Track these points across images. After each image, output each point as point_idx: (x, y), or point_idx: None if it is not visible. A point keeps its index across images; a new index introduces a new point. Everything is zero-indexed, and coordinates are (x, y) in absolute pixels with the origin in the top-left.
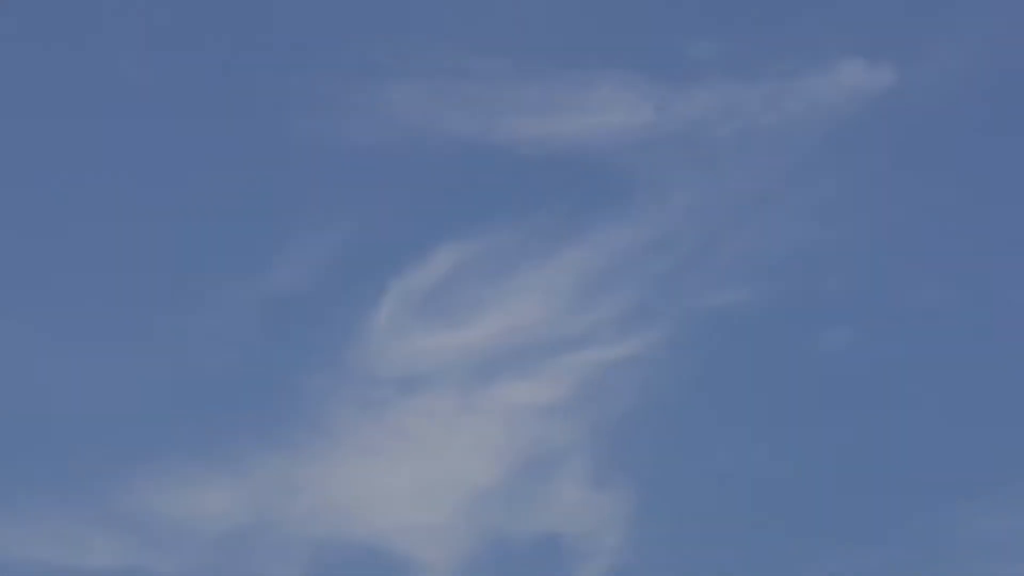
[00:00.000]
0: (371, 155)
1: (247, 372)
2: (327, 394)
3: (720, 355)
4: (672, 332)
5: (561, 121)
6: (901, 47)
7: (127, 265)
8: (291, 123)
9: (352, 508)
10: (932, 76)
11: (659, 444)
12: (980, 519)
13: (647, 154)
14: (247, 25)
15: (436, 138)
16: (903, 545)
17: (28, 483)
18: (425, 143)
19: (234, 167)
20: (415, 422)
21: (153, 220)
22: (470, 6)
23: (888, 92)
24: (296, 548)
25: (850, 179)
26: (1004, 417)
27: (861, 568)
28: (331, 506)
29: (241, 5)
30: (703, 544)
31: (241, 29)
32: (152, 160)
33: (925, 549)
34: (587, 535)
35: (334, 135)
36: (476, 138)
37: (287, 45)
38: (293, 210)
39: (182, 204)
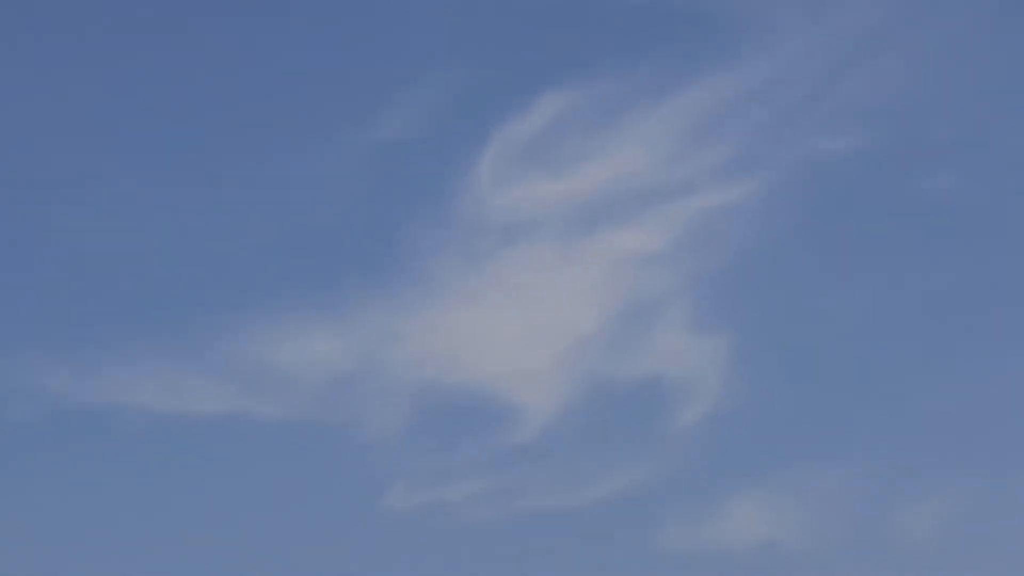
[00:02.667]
0: (475, 3)
1: (352, 220)
2: (431, 243)
3: (823, 202)
4: (776, 179)
5: None
6: None
7: (235, 112)
8: None
9: (455, 355)
10: None
11: (761, 290)
12: None
13: (754, 0)
14: None
15: None
16: (1002, 383)
17: (136, 331)
18: None
19: (341, 15)
20: (518, 270)
21: (261, 68)
22: None
23: None
24: (399, 395)
25: (957, 24)
26: None
27: (958, 405)
28: (434, 353)
29: None
30: (802, 387)
31: None
32: (263, 11)
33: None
34: (688, 379)
35: None
36: None
37: None
38: (399, 59)
39: (291, 53)
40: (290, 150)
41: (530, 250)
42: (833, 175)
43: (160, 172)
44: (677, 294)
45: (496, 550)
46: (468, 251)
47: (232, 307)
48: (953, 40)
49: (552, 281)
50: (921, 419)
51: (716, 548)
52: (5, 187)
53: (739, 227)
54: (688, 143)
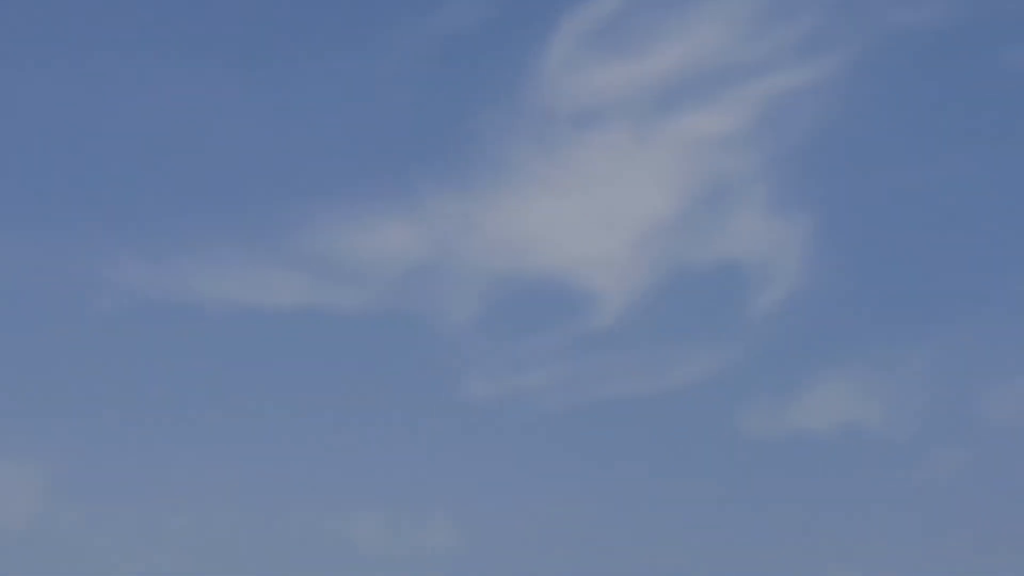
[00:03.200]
0: None
1: (424, 110)
2: (502, 131)
3: (903, 77)
4: (855, 56)
5: None
6: None
7: (306, 7)
8: None
9: (529, 243)
10: None
11: (840, 169)
12: None
13: None
14: None
15: None
16: None
17: (213, 224)
18: None
19: None
20: (591, 156)
21: None
22: None
23: None
24: (474, 284)
25: None
26: None
27: None
28: (508, 241)
29: None
30: (882, 268)
31: None
32: None
33: None
34: (766, 263)
35: None
36: None
37: None
38: None
39: None
40: (360, 42)
41: (604, 135)
42: (913, 49)
43: (234, 68)
44: (755, 176)
45: (572, 438)
46: (540, 138)
47: (307, 199)
48: None
49: (627, 166)
50: (1005, 300)
51: (797, 432)
52: (82, 82)
53: (817, 105)
54: (764, 20)
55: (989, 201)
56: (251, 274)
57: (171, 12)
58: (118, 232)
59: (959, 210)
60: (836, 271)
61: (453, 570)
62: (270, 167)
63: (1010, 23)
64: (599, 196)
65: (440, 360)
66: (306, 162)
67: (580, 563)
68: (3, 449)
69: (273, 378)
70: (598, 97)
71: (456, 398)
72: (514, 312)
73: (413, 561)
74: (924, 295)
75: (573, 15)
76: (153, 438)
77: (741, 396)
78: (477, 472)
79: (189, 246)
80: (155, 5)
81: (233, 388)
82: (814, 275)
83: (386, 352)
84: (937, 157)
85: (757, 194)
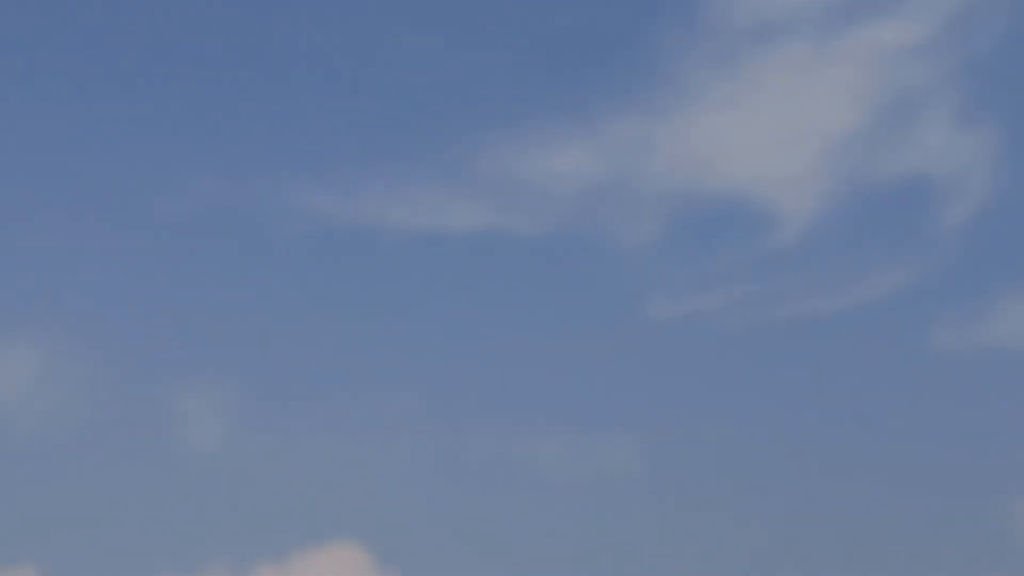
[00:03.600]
0: None
1: (598, 28)
2: (680, 49)
3: None
4: None
5: None
6: None
7: None
8: None
9: (709, 162)
10: None
11: None
12: None
13: None
14: None
15: None
16: None
17: (394, 153)
18: None
19: None
20: (771, 72)
21: None
22: None
23: None
24: (655, 204)
25: None
26: None
27: None
28: (688, 161)
29: None
30: None
31: None
32: None
33: None
34: (954, 176)
35: None
36: None
37: None
38: None
39: None
40: None
41: (784, 49)
42: None
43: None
44: (941, 87)
45: (756, 356)
46: (719, 53)
47: (485, 125)
48: None
49: (808, 80)
50: None
51: (986, 348)
52: (268, 17)
53: (1007, 10)
54: None
55: None
56: (433, 201)
57: None
58: (306, 163)
59: None
60: None
61: (636, 491)
62: (449, 94)
63: None
64: (780, 112)
65: (622, 281)
66: (483, 90)
67: (763, 484)
68: (194, 381)
69: (456, 303)
70: (778, 10)
71: (638, 319)
72: (695, 232)
73: (597, 483)
74: None
75: None
76: (335, 366)
77: (929, 312)
78: (660, 393)
79: (373, 175)
80: None
81: (416, 313)
82: (1004, 188)
83: (567, 275)
84: None
85: (944, 106)
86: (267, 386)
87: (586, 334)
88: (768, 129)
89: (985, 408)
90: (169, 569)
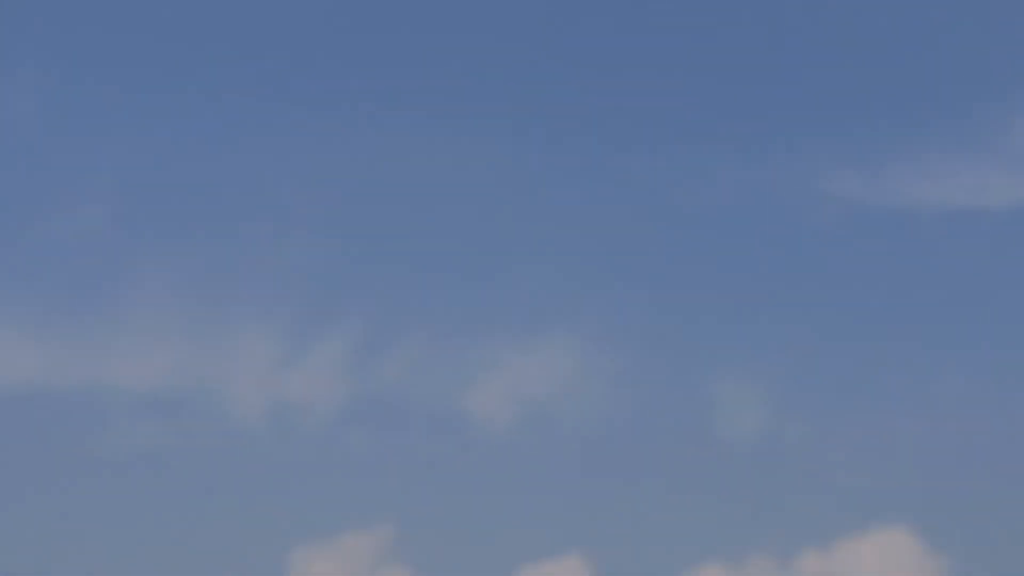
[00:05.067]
0: None
1: None
2: None
3: None
4: None
5: None
6: None
7: None
8: None
9: None
10: None
11: None
12: None
13: None
14: None
15: None
16: None
17: (925, 132)
18: None
19: None
20: None
21: None
22: None
23: None
24: None
25: None
26: None
27: None
28: None
29: None
30: None
31: None
32: None
33: None
34: None
35: None
36: None
37: None
38: None
39: None
40: None
41: None
42: None
43: None
44: None
45: None
46: None
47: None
48: None
49: None
50: None
51: None
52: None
53: None
54: None
55: None
56: (966, 177)
57: None
58: (835, 146)
59: None
60: None
61: None
62: (973, 70)
63: None
64: None
65: None
66: (1008, 61)
67: None
68: (729, 366)
69: (993, 280)
70: None
71: None
72: None
73: None
74: None
75: None
76: (870, 348)
77: None
78: None
79: (904, 153)
80: None
81: (950, 290)
82: None
83: None
84: None
85: None
86: (806, 373)
87: None
88: None
89: None
90: (714, 559)
